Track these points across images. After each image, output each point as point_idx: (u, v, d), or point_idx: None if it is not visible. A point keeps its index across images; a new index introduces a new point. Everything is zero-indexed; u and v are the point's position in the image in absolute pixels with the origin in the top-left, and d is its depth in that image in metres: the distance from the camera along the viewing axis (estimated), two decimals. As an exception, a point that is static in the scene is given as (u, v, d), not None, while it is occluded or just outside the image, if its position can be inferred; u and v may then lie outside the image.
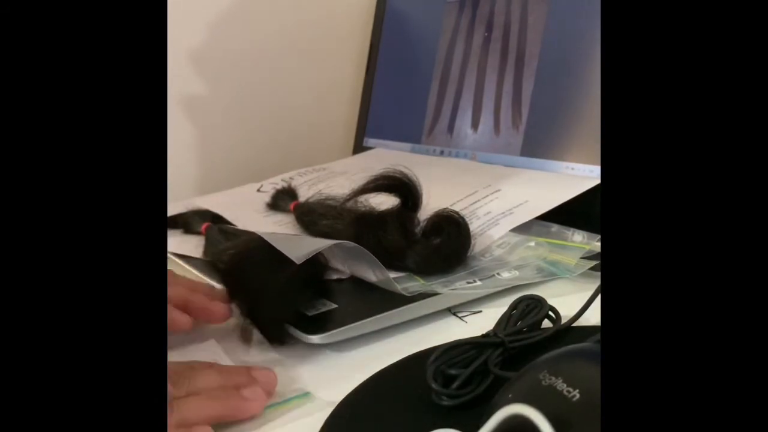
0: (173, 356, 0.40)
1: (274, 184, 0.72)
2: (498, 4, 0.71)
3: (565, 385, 0.26)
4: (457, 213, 0.49)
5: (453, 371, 0.34)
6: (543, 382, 0.27)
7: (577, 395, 0.26)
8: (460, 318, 0.45)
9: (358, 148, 0.87)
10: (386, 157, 0.75)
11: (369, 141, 0.86)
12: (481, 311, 0.45)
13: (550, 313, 0.41)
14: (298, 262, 0.39)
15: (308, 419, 0.35)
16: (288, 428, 0.35)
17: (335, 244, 0.43)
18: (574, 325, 0.41)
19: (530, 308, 0.40)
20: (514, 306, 0.40)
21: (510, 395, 0.28)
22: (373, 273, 0.45)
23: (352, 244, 0.43)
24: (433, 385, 0.34)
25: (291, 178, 0.73)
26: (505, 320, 0.39)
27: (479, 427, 0.26)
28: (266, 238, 0.42)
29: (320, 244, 0.41)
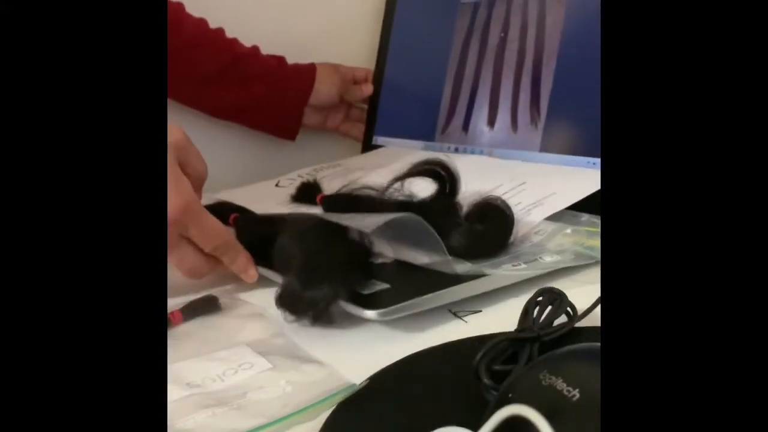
0: (201, 363, 0.41)
1: (290, 179, 0.72)
2: (514, 6, 0.73)
3: (565, 385, 0.27)
4: (501, 200, 0.50)
5: (497, 367, 0.34)
6: (543, 382, 0.27)
7: (577, 395, 0.26)
8: (460, 318, 0.45)
9: (367, 146, 0.87)
10: (400, 154, 0.76)
11: (378, 139, 0.87)
12: (481, 311, 0.46)
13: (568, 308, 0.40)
14: (368, 231, 0.40)
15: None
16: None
17: (395, 219, 0.43)
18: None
19: (551, 300, 0.40)
20: (536, 297, 0.40)
21: (510, 395, 0.28)
22: (425, 254, 0.46)
23: (415, 217, 0.44)
24: (486, 381, 0.33)
25: (308, 174, 0.73)
26: (532, 313, 0.39)
27: (479, 426, 0.26)
28: (331, 218, 0.43)
29: (388, 216, 0.42)
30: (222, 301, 0.49)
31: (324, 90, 0.83)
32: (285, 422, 0.35)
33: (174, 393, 0.37)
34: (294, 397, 0.37)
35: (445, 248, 0.45)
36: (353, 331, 0.44)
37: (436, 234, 0.44)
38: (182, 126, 0.50)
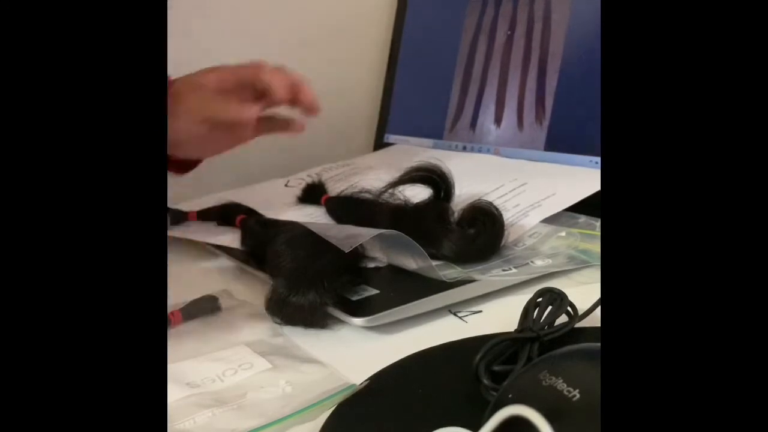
0: (201, 363, 0.41)
1: (300, 179, 0.74)
2: (521, 4, 0.73)
3: (565, 385, 0.27)
4: (492, 204, 0.51)
5: (497, 367, 0.34)
6: (543, 382, 0.27)
7: (577, 395, 0.26)
8: (460, 318, 0.45)
9: (379, 144, 0.88)
10: (411, 152, 0.77)
11: (390, 137, 0.87)
12: (481, 311, 0.46)
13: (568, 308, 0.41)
14: (346, 250, 0.40)
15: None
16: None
17: (379, 234, 0.45)
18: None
19: (551, 300, 0.40)
20: (536, 298, 0.40)
21: (510, 395, 0.28)
22: (413, 261, 0.47)
23: (395, 232, 0.45)
24: (485, 382, 0.33)
25: (317, 174, 0.75)
26: (532, 313, 0.39)
27: (479, 427, 0.26)
28: (313, 228, 0.43)
29: (367, 233, 0.43)
30: (222, 301, 0.49)
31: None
32: (285, 422, 0.35)
33: (174, 393, 0.37)
34: (294, 397, 0.37)
35: (428, 256, 0.46)
36: (353, 331, 0.44)
37: (417, 245, 0.45)
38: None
